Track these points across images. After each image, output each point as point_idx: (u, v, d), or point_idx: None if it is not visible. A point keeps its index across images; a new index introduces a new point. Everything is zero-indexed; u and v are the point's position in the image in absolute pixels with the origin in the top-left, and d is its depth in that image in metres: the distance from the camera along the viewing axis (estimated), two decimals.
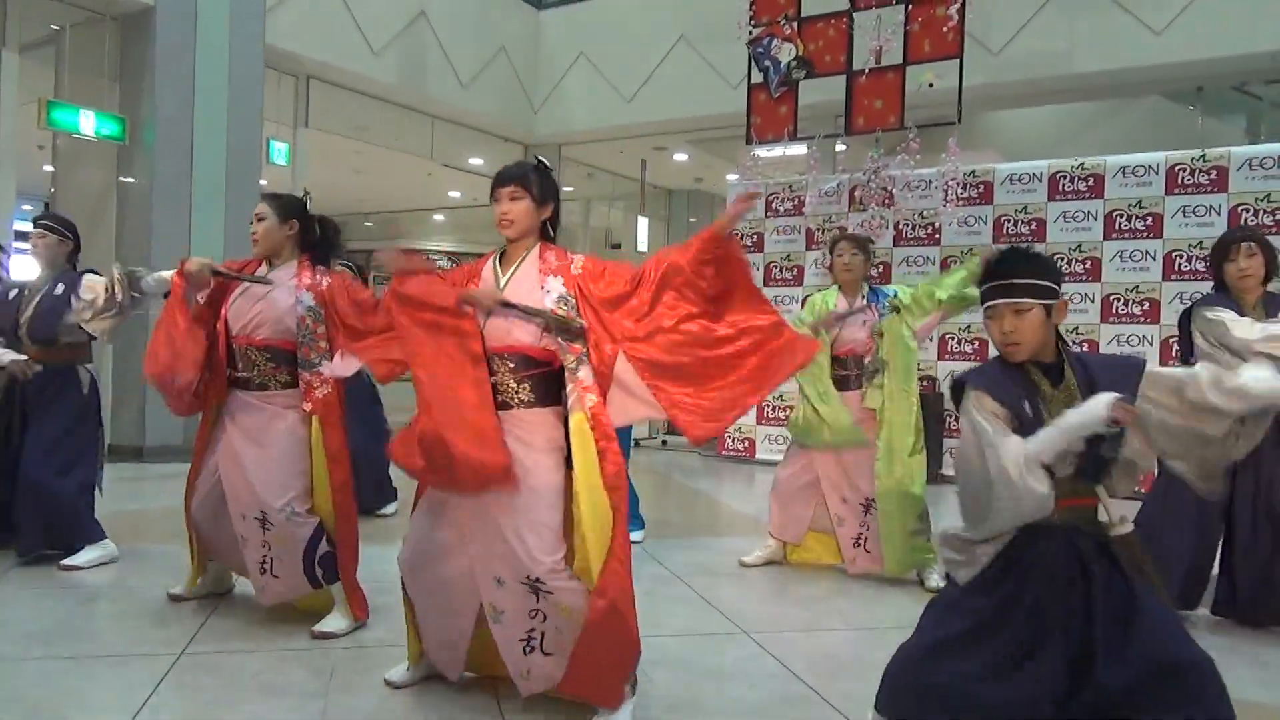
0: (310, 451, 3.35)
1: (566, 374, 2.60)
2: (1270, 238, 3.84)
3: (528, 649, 2.59)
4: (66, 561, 4.09)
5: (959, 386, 2.22)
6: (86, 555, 4.14)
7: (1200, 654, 2.01)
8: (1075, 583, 2.09)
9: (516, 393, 2.62)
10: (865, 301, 4.42)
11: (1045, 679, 2.06)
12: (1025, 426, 2.09)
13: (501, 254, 2.80)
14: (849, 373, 4.44)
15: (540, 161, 2.82)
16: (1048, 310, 2.13)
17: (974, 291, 4.08)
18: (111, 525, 4.34)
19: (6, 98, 7.46)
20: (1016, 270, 2.13)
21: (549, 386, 2.65)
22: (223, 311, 3.46)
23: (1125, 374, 2.10)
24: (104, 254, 7.79)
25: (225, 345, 3.44)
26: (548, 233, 2.82)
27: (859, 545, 4.39)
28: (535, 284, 2.67)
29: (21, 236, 6.44)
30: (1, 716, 2.57)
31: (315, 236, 3.56)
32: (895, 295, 4.37)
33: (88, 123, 7.43)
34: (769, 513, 4.71)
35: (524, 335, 2.63)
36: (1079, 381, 2.14)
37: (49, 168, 8.37)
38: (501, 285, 2.71)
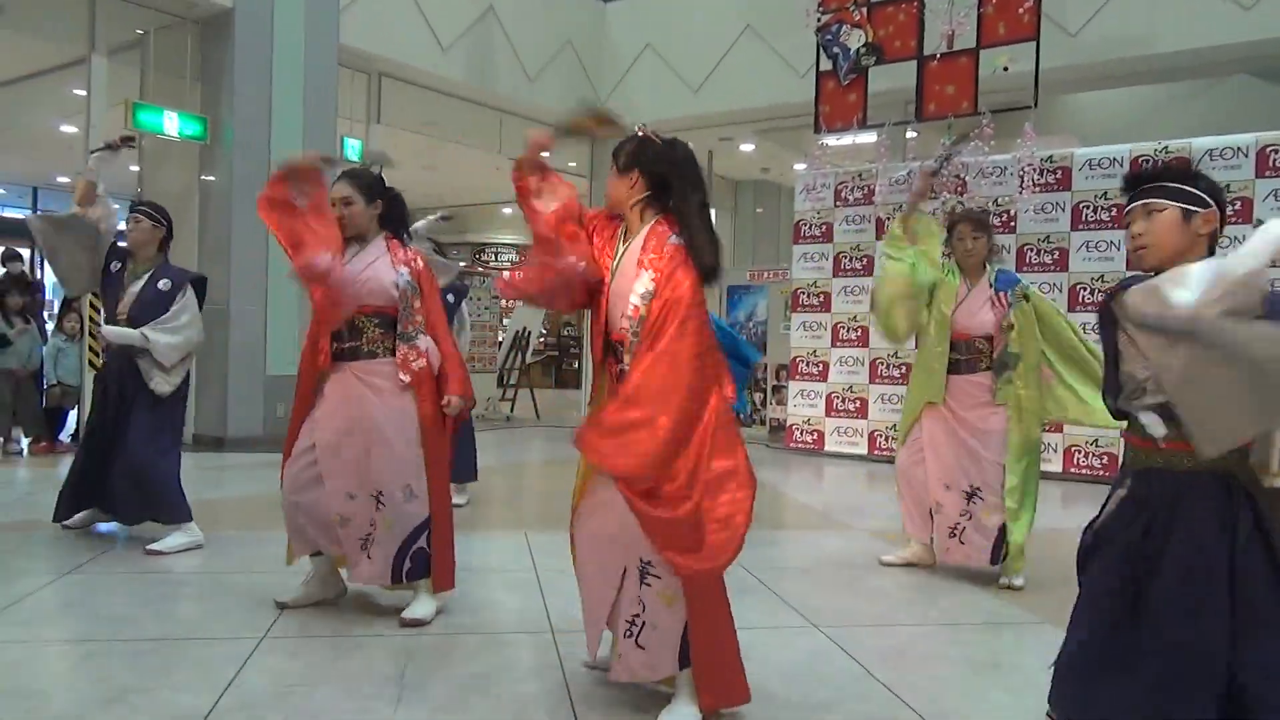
0: (418, 426, 3.37)
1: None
2: None
3: (627, 634, 2.57)
4: (152, 547, 4.25)
5: (1109, 302, 2.03)
6: (172, 541, 4.30)
7: None
8: (1221, 547, 1.87)
9: None
10: (993, 288, 4.17)
11: (1197, 664, 1.87)
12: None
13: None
14: (964, 357, 4.19)
15: (641, 130, 2.66)
16: (1185, 215, 1.94)
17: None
18: (197, 511, 4.49)
19: (96, 100, 7.76)
20: (1158, 175, 2.01)
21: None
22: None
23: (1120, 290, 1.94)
24: (188, 252, 8.05)
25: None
26: (667, 202, 2.61)
27: (954, 535, 4.20)
28: (632, 269, 2.56)
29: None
30: (92, 696, 2.67)
31: (392, 212, 3.58)
32: (1022, 283, 4.17)
33: (171, 123, 7.69)
34: (900, 509, 4.48)
35: None
36: None
37: (135, 168, 8.67)
38: (616, 262, 2.61)
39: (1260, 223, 2.68)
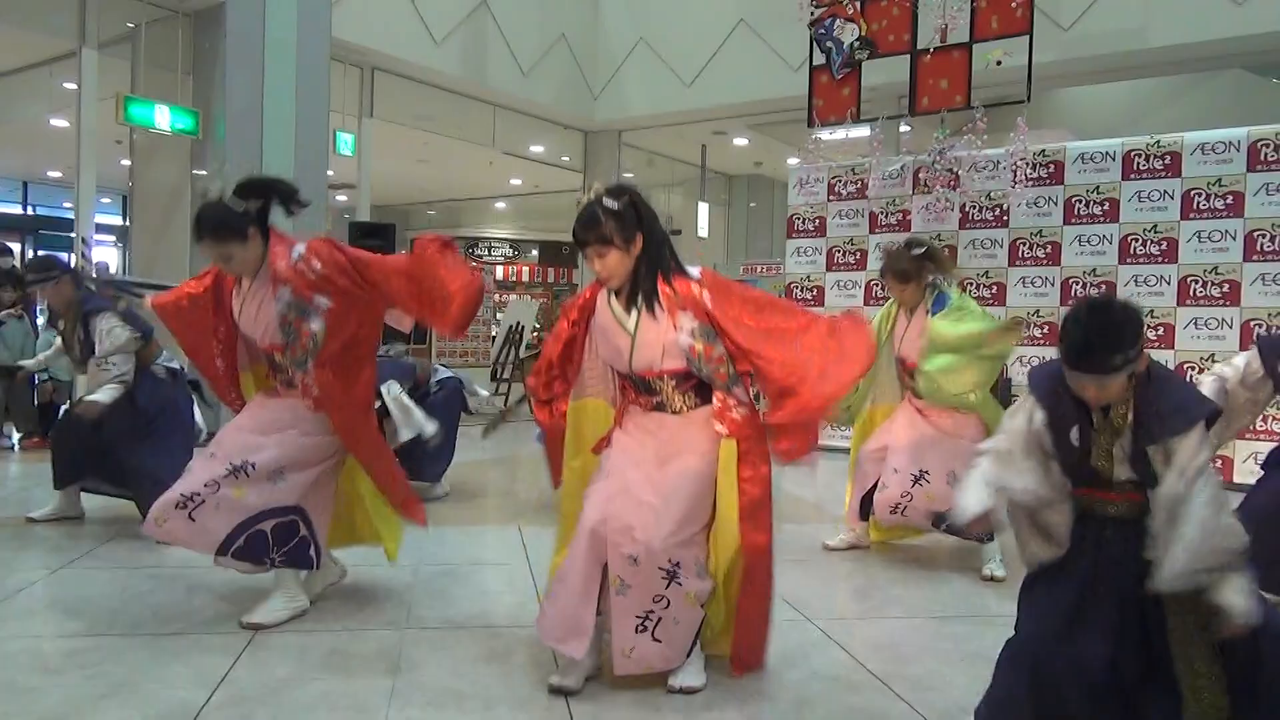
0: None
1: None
2: None
3: (640, 629, 2.65)
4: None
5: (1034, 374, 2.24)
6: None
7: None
8: (1132, 576, 2.07)
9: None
10: (929, 313, 4.26)
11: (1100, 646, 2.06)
12: (1064, 453, 2.13)
13: (616, 290, 2.80)
14: (913, 384, 4.34)
15: (602, 199, 2.72)
16: (1129, 377, 2.05)
17: (995, 348, 4.01)
18: None
19: (87, 94, 7.73)
20: (1100, 345, 1.99)
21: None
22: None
23: (1183, 422, 2.05)
24: (180, 246, 8.04)
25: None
26: (657, 261, 2.77)
27: (896, 511, 4.25)
28: (667, 324, 2.73)
29: (103, 230, 6.67)
30: (84, 691, 2.67)
31: (268, 206, 3.28)
32: (951, 301, 4.25)
33: (163, 117, 7.66)
34: (848, 499, 4.62)
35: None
36: (1139, 416, 2.07)
37: (126, 162, 8.64)
38: (632, 331, 2.75)
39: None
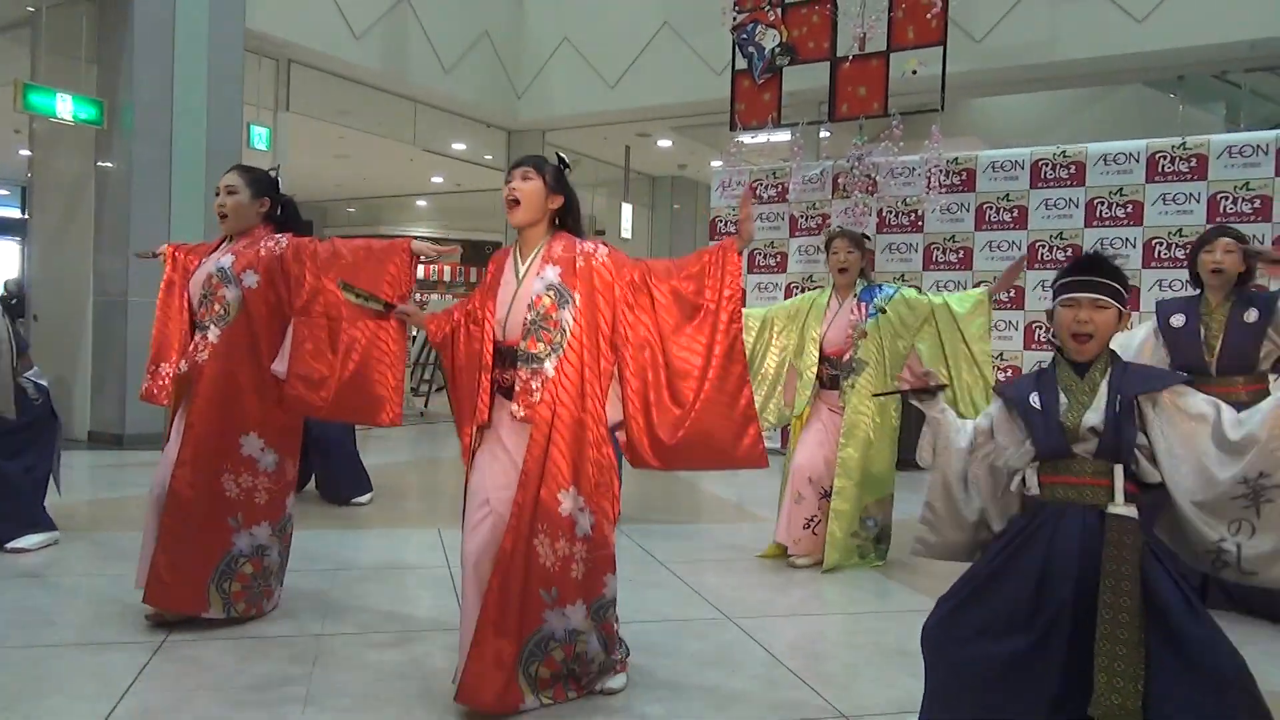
0: None
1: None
2: (1249, 225, 3.89)
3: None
4: (12, 545, 4.12)
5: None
6: (33, 539, 4.18)
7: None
8: (1085, 561, 2.07)
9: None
10: (856, 300, 4.39)
11: (1046, 649, 2.06)
12: (1032, 420, 2.18)
13: (520, 246, 2.80)
14: (837, 372, 4.42)
15: (561, 158, 2.83)
16: (1119, 315, 2.19)
17: (977, 322, 4.17)
18: (92, 512, 4.32)
19: None
20: (1104, 271, 2.19)
21: None
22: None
23: (1156, 380, 2.18)
24: (82, 240, 7.72)
25: None
26: (568, 226, 2.81)
27: (809, 527, 4.38)
28: (537, 272, 2.71)
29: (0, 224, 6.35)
30: None
31: (280, 217, 3.41)
32: (893, 295, 4.35)
33: (65, 107, 7.34)
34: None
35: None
36: (1113, 380, 2.15)
37: (26, 152, 8.26)
38: (520, 275, 2.73)
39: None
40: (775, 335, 4.60)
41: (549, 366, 2.63)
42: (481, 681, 2.52)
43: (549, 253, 2.72)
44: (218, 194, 3.32)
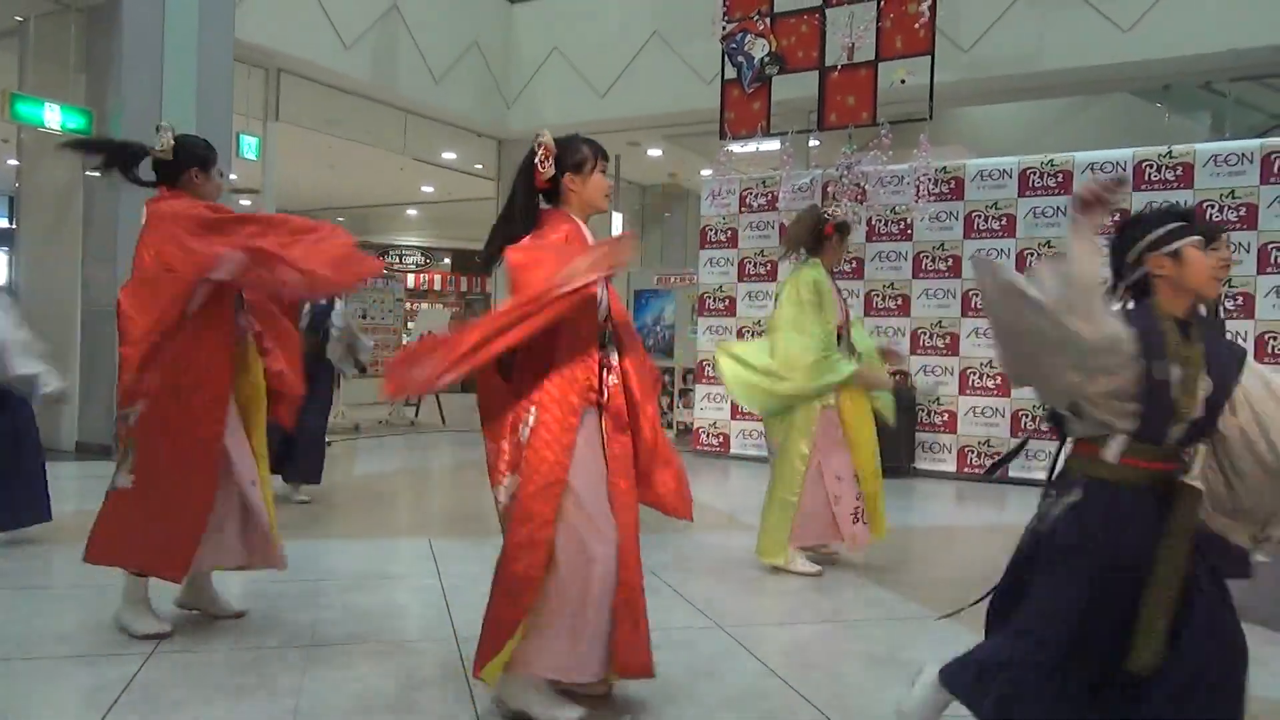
0: None
1: None
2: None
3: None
4: None
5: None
6: None
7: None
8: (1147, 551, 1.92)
9: None
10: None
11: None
12: (1154, 392, 1.92)
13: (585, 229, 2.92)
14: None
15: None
16: None
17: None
18: (79, 523, 4.27)
19: None
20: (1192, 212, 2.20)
21: None
22: None
23: (1232, 357, 2.01)
24: (70, 249, 7.69)
25: None
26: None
27: (858, 520, 4.39)
28: None
29: None
30: None
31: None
32: None
33: (53, 116, 7.31)
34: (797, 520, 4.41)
35: None
36: (1207, 356, 1.99)
37: (14, 162, 8.23)
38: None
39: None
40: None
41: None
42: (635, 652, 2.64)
43: None
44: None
